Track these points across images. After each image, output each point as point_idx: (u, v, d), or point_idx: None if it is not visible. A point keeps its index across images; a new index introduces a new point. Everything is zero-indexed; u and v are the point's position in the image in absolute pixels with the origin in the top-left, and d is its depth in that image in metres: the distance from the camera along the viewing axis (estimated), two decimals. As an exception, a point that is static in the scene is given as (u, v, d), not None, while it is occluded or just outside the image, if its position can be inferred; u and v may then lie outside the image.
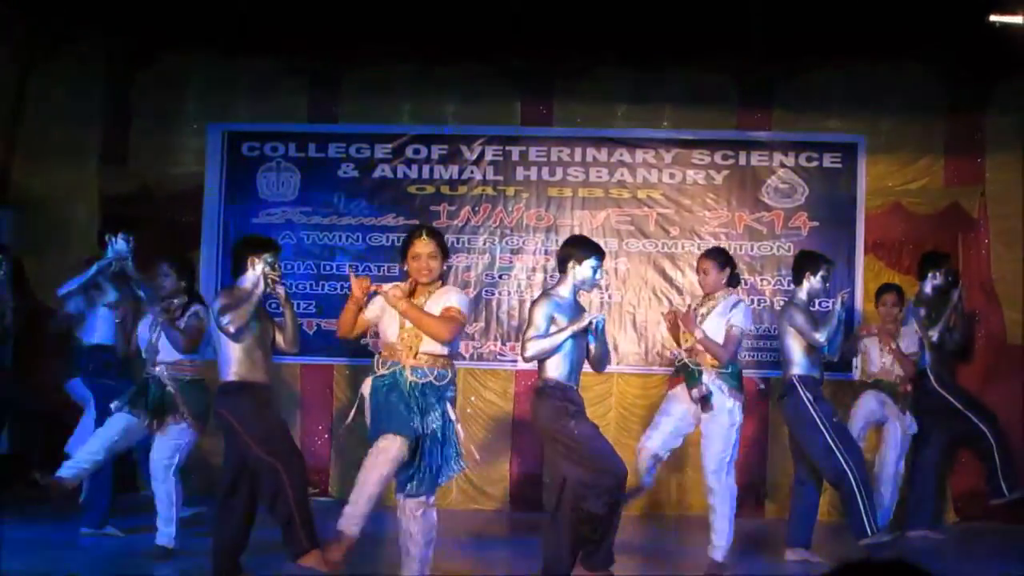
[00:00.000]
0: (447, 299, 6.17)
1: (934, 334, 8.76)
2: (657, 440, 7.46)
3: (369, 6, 8.71)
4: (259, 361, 6.80)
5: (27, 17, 9.47)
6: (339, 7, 8.73)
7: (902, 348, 8.73)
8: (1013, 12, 8.34)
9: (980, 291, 9.80)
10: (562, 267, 6.86)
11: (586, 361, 6.84)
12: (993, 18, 8.41)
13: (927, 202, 9.95)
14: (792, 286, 8.19)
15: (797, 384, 7.74)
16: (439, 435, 6.07)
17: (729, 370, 7.34)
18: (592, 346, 6.80)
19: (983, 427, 8.77)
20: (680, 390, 7.45)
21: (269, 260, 6.82)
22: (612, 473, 6.55)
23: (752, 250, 9.96)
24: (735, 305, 7.39)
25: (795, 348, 7.78)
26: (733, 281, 7.60)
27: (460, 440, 6.16)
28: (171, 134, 10.40)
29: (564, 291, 6.79)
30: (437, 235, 6.33)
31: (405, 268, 6.28)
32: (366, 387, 6.17)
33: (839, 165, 9.93)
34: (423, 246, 6.22)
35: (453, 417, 6.15)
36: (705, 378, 7.32)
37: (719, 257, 7.55)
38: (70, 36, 9.85)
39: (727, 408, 7.30)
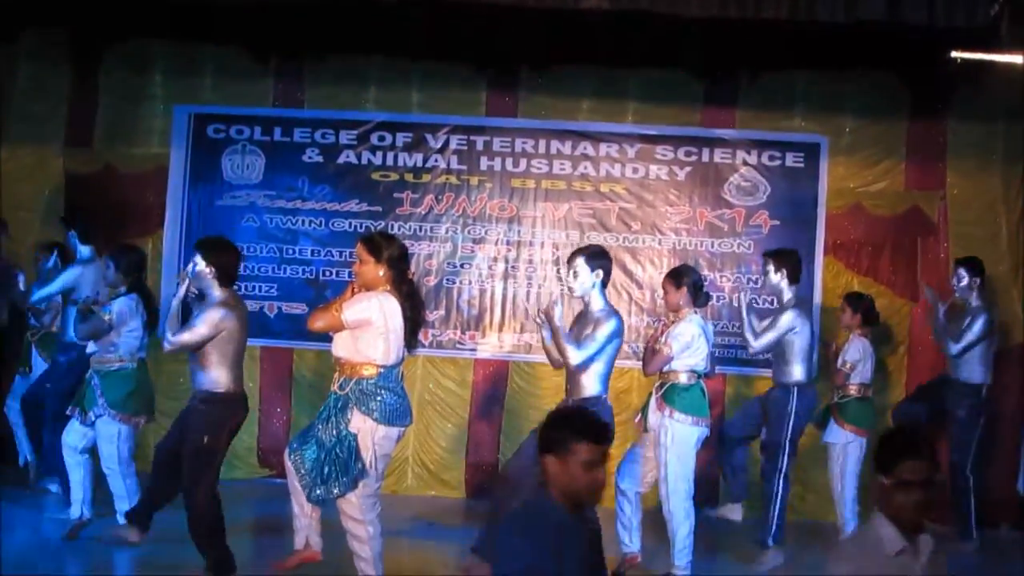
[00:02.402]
0: (347, 304, 6.25)
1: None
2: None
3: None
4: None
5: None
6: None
7: (846, 356, 8.68)
8: (973, 50, 8.50)
9: (941, 293, 9.80)
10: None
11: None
12: (954, 55, 8.61)
13: (887, 204, 10.00)
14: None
15: None
16: (335, 446, 6.14)
17: (664, 388, 7.46)
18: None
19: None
20: None
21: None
22: None
23: (713, 247, 10.02)
24: (680, 325, 7.44)
25: None
26: (700, 300, 7.62)
27: (362, 456, 6.17)
28: (137, 115, 10.38)
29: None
30: (366, 241, 6.39)
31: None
32: None
33: (801, 165, 9.98)
34: (356, 251, 6.40)
35: (352, 430, 6.16)
36: (652, 395, 7.51)
37: (675, 278, 7.57)
38: (36, 16, 9.81)
39: (660, 426, 7.40)
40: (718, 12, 7.78)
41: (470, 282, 10.17)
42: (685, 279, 7.54)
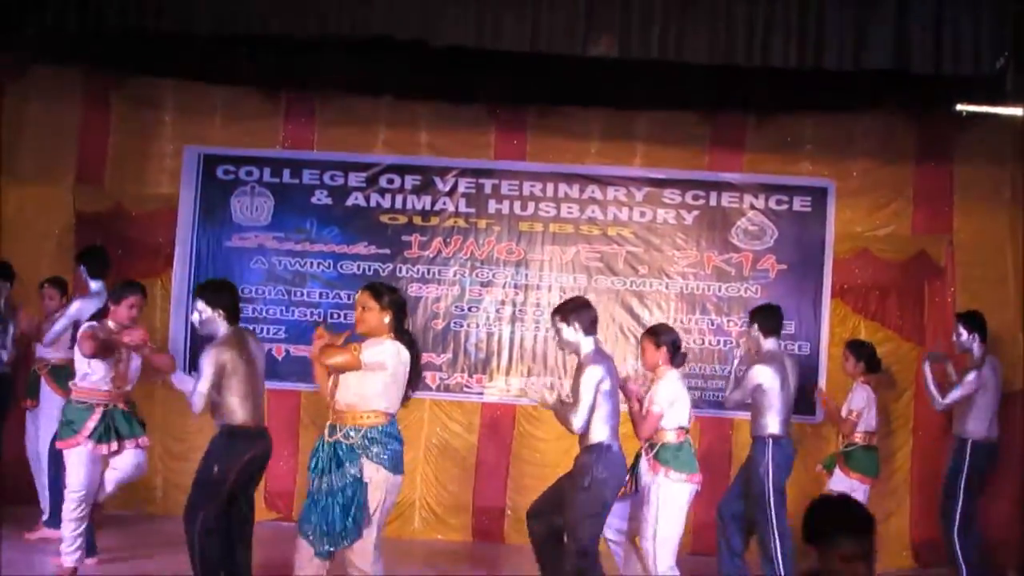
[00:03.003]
0: (365, 345, 6.23)
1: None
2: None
3: (345, 41, 8.71)
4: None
5: (3, 36, 9.51)
6: (315, 40, 8.74)
7: (851, 404, 8.71)
8: (980, 98, 8.55)
9: (945, 339, 9.81)
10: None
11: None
12: (959, 107, 8.69)
13: (895, 249, 10.00)
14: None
15: None
16: (341, 495, 6.09)
17: (657, 447, 7.37)
18: None
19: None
20: None
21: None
22: None
23: (720, 291, 10.03)
24: (661, 383, 7.39)
25: None
26: (677, 359, 7.53)
27: (371, 504, 6.13)
28: (147, 154, 10.44)
29: None
30: (372, 289, 6.40)
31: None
32: None
33: (808, 209, 10.00)
34: (359, 299, 6.39)
35: (365, 479, 6.11)
36: (642, 457, 7.44)
37: (654, 336, 7.54)
38: (48, 55, 9.87)
39: (654, 484, 7.33)
40: (725, 60, 7.82)
41: (477, 325, 10.17)
42: (664, 338, 7.51)
